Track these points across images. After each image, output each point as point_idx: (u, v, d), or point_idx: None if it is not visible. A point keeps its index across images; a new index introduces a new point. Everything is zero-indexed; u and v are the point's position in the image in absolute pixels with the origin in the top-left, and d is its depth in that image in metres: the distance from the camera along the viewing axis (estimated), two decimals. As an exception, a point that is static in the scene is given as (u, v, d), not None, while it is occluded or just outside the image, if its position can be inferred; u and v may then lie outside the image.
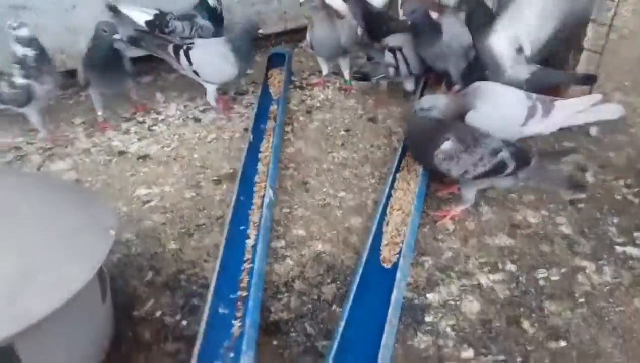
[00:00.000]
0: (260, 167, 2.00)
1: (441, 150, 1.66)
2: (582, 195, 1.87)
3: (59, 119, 2.48)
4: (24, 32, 2.10)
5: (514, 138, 1.85)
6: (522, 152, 1.67)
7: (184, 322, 1.46)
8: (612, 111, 1.91)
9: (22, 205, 1.08)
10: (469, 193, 1.75)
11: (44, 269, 1.01)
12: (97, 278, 1.21)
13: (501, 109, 1.85)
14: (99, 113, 2.36)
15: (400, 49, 2.40)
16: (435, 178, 1.91)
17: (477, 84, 1.93)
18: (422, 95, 2.45)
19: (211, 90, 2.41)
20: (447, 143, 1.65)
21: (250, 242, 1.63)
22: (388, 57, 2.40)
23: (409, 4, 2.19)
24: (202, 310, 1.45)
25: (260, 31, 2.47)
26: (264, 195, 1.81)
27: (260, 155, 2.07)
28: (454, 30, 2.22)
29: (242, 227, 1.69)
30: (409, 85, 2.55)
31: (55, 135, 2.34)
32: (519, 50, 2.01)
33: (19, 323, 0.93)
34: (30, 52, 2.12)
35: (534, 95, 1.92)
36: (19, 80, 2.13)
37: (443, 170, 1.71)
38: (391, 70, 2.41)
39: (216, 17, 2.68)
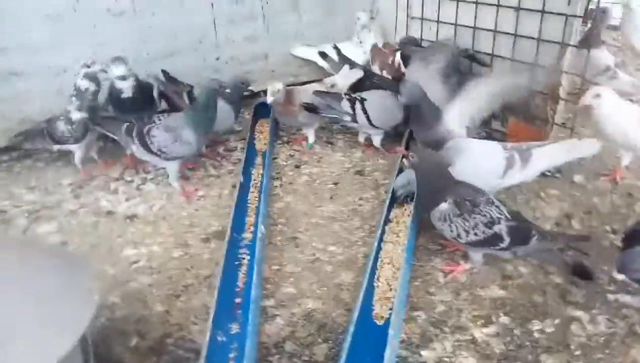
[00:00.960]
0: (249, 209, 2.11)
1: (438, 209, 1.67)
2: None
3: (46, 180, 2.48)
4: (95, 68, 2.36)
5: (495, 190, 1.88)
6: (522, 229, 1.64)
7: (171, 390, 1.40)
8: (589, 147, 1.97)
9: (0, 269, 1.05)
10: (475, 256, 1.74)
11: (22, 337, 0.97)
12: (80, 346, 1.17)
13: (478, 164, 1.88)
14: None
15: (362, 100, 2.50)
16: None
17: (453, 141, 1.98)
18: (407, 147, 2.50)
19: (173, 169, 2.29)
20: (443, 204, 1.66)
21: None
22: (345, 105, 2.49)
23: (405, 83, 2.21)
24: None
25: (250, 88, 2.62)
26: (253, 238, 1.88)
27: (248, 205, 2.14)
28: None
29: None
30: (376, 140, 2.64)
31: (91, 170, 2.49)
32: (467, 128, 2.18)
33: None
34: (92, 87, 2.34)
35: (509, 145, 1.97)
36: (76, 115, 2.35)
37: (437, 228, 1.72)
38: (347, 117, 2.53)
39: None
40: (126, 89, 2.42)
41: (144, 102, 2.51)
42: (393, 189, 2.06)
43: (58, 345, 1.01)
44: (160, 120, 2.23)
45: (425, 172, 1.76)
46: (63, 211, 2.24)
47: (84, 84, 2.33)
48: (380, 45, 3.14)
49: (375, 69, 3.06)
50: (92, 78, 2.34)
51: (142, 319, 1.64)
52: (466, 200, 1.65)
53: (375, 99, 2.53)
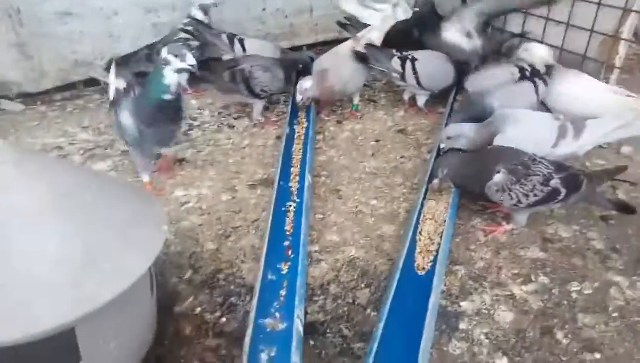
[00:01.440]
0: (294, 159, 2.13)
1: (494, 181, 1.67)
2: (614, 212, 1.88)
3: (98, 120, 2.57)
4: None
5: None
6: (573, 177, 1.68)
7: (223, 319, 1.50)
8: None
9: (85, 195, 1.14)
10: (521, 217, 1.77)
11: (106, 257, 1.06)
12: (149, 272, 1.27)
13: (530, 131, 1.87)
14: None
15: (414, 59, 2.46)
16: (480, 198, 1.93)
17: (500, 110, 1.96)
18: (449, 114, 2.48)
19: (259, 106, 2.55)
20: (498, 175, 1.67)
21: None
22: (395, 64, 2.47)
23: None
24: (240, 308, 1.51)
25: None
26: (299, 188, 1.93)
27: (293, 156, 2.16)
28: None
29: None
30: (420, 101, 2.62)
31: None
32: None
33: (82, 308, 0.99)
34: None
35: (562, 116, 1.95)
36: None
37: (496, 200, 1.73)
38: (395, 75, 2.50)
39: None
40: None
41: None
42: (439, 145, 2.06)
43: (137, 266, 1.10)
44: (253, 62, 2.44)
45: (462, 169, 1.78)
46: (115, 151, 2.34)
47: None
48: None
49: None
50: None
51: (195, 255, 1.74)
52: (517, 164, 1.66)
53: (427, 59, 2.50)
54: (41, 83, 2.71)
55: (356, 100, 2.66)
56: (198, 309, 1.53)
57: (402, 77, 2.49)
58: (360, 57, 2.46)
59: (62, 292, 0.99)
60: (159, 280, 1.61)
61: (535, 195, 1.65)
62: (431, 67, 2.50)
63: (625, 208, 1.75)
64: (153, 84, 1.79)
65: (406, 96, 2.69)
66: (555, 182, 1.65)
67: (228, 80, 2.46)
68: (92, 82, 2.86)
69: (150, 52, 2.62)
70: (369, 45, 2.50)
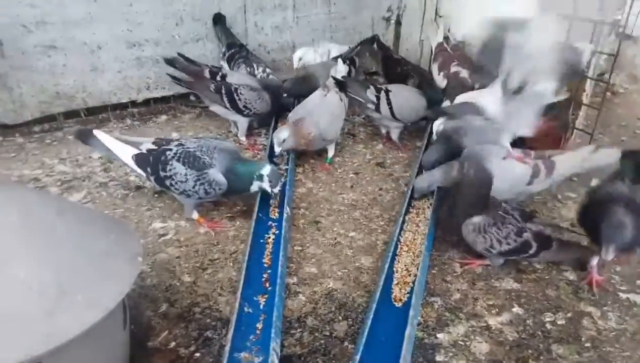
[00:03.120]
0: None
1: (471, 221, 1.70)
2: (585, 242, 1.93)
3: (77, 153, 2.57)
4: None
5: (520, 197, 1.93)
6: (544, 236, 1.73)
7: (198, 354, 1.47)
8: (610, 155, 2.01)
9: (60, 226, 1.13)
10: (498, 261, 1.80)
11: (78, 288, 1.05)
12: (122, 305, 1.25)
13: (508, 172, 1.93)
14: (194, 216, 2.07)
15: (387, 91, 2.54)
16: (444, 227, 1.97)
17: (472, 148, 2.01)
18: (426, 148, 2.52)
19: (243, 125, 2.68)
20: (477, 217, 1.69)
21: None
22: (370, 94, 2.54)
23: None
24: (216, 342, 1.49)
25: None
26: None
27: None
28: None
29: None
30: (394, 134, 2.68)
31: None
32: None
33: (52, 342, 0.97)
34: None
35: (532, 153, 2.01)
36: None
37: (469, 241, 1.74)
38: (371, 105, 2.55)
39: None
40: None
41: None
42: (413, 188, 2.11)
43: (109, 298, 1.09)
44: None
45: (468, 184, 1.75)
46: (93, 183, 2.33)
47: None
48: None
49: (435, 67, 2.90)
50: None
51: (171, 288, 1.72)
52: (497, 210, 1.70)
53: (400, 92, 2.59)
54: (20, 115, 2.70)
55: (331, 153, 2.56)
56: (172, 343, 1.50)
57: (377, 108, 2.55)
58: (340, 84, 2.53)
59: (32, 323, 0.97)
60: (133, 313, 1.59)
61: (508, 243, 1.69)
62: (404, 99, 2.58)
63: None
64: (246, 178, 1.95)
65: (383, 130, 2.75)
66: (528, 236, 1.69)
67: (214, 91, 2.56)
68: (72, 114, 2.87)
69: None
70: (346, 77, 2.58)
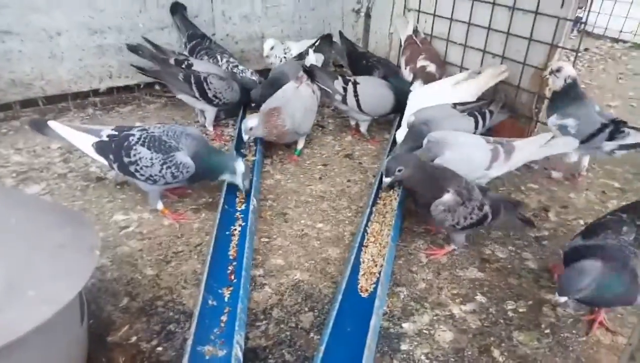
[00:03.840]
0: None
1: (441, 201, 1.71)
2: (546, 233, 1.98)
3: (34, 143, 2.47)
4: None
5: (479, 181, 1.96)
6: (496, 204, 1.77)
7: (160, 348, 1.44)
8: (567, 144, 2.07)
9: (10, 219, 1.08)
10: (460, 238, 1.83)
11: (30, 283, 1.00)
12: (78, 299, 1.20)
13: (466, 155, 1.96)
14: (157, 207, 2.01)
15: (355, 83, 2.52)
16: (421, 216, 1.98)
17: (438, 134, 2.04)
18: (394, 141, 2.53)
19: (210, 115, 2.65)
20: (447, 195, 1.71)
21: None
22: (338, 85, 2.52)
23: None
24: (179, 336, 1.46)
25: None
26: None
27: None
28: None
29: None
30: (362, 126, 2.68)
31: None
32: None
33: (3, 338, 0.92)
34: None
35: (492, 139, 2.05)
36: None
37: (438, 219, 1.74)
38: (338, 96, 2.54)
39: None
40: None
41: None
42: (381, 177, 2.10)
43: (64, 293, 1.04)
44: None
45: (417, 173, 1.77)
46: (51, 174, 2.24)
47: None
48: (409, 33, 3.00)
49: (402, 61, 2.94)
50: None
51: (132, 281, 1.67)
52: (463, 188, 1.73)
53: (368, 84, 2.58)
54: (-27, 103, 2.58)
55: (300, 145, 2.53)
56: (133, 338, 1.46)
57: (344, 99, 2.54)
58: (309, 73, 2.49)
59: (-23, 321, 0.92)
60: (92, 308, 1.54)
61: (471, 218, 1.72)
62: (372, 92, 2.57)
63: (529, 223, 1.88)
64: (217, 167, 1.95)
65: (352, 122, 2.75)
66: (487, 208, 1.73)
67: (182, 80, 2.50)
68: (29, 103, 2.75)
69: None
70: (315, 66, 2.56)
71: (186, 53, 2.92)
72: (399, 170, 1.76)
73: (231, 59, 2.91)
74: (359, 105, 2.54)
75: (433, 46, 2.95)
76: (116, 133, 1.88)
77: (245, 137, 2.30)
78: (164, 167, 1.82)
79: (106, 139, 1.86)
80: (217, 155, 1.98)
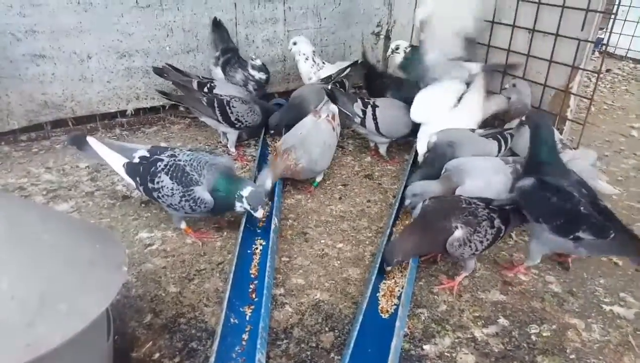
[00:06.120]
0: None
1: (455, 237, 1.68)
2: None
3: (63, 162, 2.55)
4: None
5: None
6: (505, 213, 1.76)
7: (182, 365, 1.46)
8: (587, 157, 2.05)
9: (44, 234, 1.12)
10: (471, 263, 1.80)
11: (61, 297, 1.04)
12: (105, 315, 1.24)
13: (488, 180, 1.96)
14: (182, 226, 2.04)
15: (375, 106, 2.55)
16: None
17: (456, 161, 2.06)
18: (414, 162, 2.55)
19: (232, 137, 2.72)
20: (458, 232, 1.68)
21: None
22: (357, 108, 2.55)
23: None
24: (201, 354, 1.47)
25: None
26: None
27: None
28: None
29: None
30: (382, 149, 2.69)
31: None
32: None
33: (33, 352, 0.95)
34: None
35: (511, 159, 2.05)
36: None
37: (457, 254, 1.72)
38: (357, 119, 2.56)
39: None
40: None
41: None
42: (402, 196, 2.11)
43: (92, 308, 1.07)
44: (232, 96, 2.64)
45: (416, 241, 1.74)
46: (80, 192, 2.31)
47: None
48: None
49: None
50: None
51: (156, 298, 1.70)
52: (467, 215, 1.71)
53: (386, 107, 2.60)
54: (7, 123, 2.68)
55: (319, 178, 2.45)
56: (157, 355, 1.48)
57: (362, 122, 2.56)
58: (330, 96, 2.51)
59: (13, 333, 0.96)
60: (117, 324, 1.57)
61: (487, 239, 1.71)
62: (391, 115, 2.59)
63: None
64: (229, 197, 1.90)
65: (372, 143, 2.77)
66: (497, 222, 1.72)
67: (206, 105, 2.58)
68: (60, 123, 2.86)
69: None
70: (336, 88, 2.60)
71: (216, 69, 3.04)
72: (397, 261, 1.74)
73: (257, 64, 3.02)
74: (377, 129, 2.57)
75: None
76: (148, 155, 1.93)
77: (268, 186, 2.14)
78: (183, 199, 1.86)
79: (137, 161, 1.92)
80: (227, 182, 1.91)
